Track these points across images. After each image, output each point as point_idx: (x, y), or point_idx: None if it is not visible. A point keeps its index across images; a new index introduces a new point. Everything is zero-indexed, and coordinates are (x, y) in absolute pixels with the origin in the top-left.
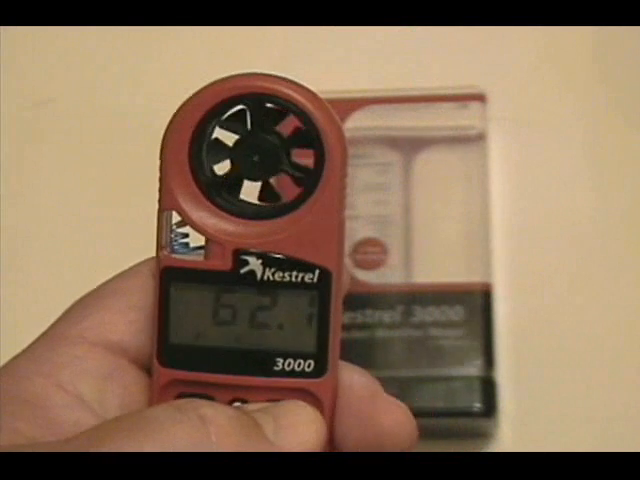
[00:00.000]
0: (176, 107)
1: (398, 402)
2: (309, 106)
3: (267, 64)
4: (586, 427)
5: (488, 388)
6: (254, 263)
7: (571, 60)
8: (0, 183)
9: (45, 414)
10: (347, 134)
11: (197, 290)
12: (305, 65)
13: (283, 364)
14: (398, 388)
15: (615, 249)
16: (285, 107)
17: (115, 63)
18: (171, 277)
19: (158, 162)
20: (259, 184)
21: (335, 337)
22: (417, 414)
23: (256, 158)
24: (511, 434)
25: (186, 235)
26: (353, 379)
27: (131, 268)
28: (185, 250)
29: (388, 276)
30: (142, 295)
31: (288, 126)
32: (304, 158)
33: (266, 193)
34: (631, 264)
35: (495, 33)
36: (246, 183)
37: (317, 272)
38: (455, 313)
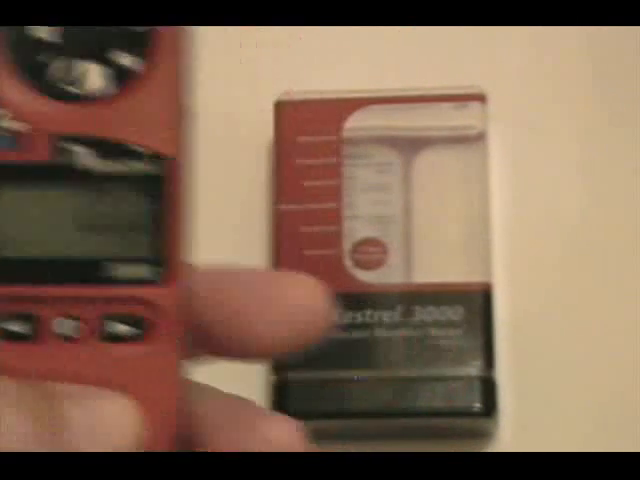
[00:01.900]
0: None
1: (308, 277)
2: None
3: (267, 64)
4: (586, 427)
5: (488, 388)
6: (77, 150)
7: (571, 60)
8: None
9: None
10: (347, 134)
11: (11, 189)
12: (305, 65)
13: (116, 270)
14: (397, 388)
15: (615, 249)
16: None
17: None
18: None
19: None
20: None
21: (179, 238)
22: (417, 414)
23: (83, 37)
24: (511, 434)
25: None
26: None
27: None
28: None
29: (388, 276)
30: None
31: None
32: None
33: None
34: (632, 264)
35: (495, 33)
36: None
37: (154, 160)
38: (455, 313)
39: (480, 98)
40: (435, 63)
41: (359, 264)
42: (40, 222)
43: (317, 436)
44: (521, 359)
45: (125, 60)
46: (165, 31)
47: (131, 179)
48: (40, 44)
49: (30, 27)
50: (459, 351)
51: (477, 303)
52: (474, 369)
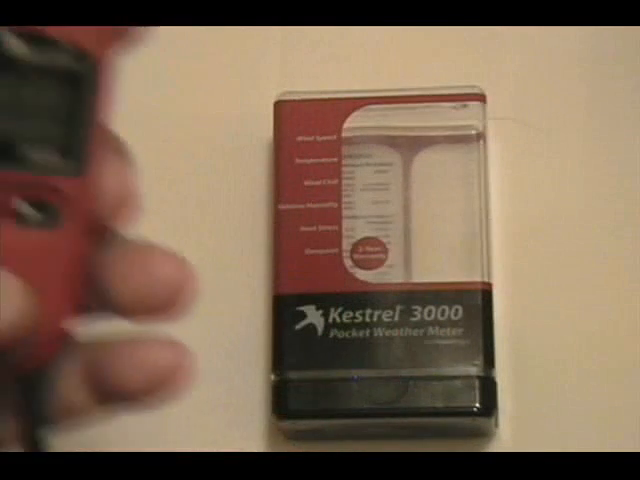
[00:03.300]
0: (176, 107)
1: (173, 254)
2: None
3: (267, 64)
4: (586, 427)
5: (487, 387)
6: (8, 39)
7: (571, 60)
8: None
9: None
10: (347, 134)
11: None
12: (305, 65)
13: (33, 156)
14: (397, 387)
15: (615, 249)
16: None
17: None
18: None
19: (159, 163)
20: None
21: (94, 134)
22: (416, 414)
23: None
24: (510, 434)
25: None
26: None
27: None
28: None
29: (387, 275)
30: None
31: None
32: None
33: None
34: (632, 264)
35: (495, 33)
36: None
37: (80, 56)
38: (454, 312)
39: (480, 98)
40: (435, 63)
41: (359, 264)
42: None
43: (317, 436)
44: (521, 359)
45: None
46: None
47: (56, 72)
48: None
49: None
50: (458, 351)
51: (477, 303)
52: (473, 369)
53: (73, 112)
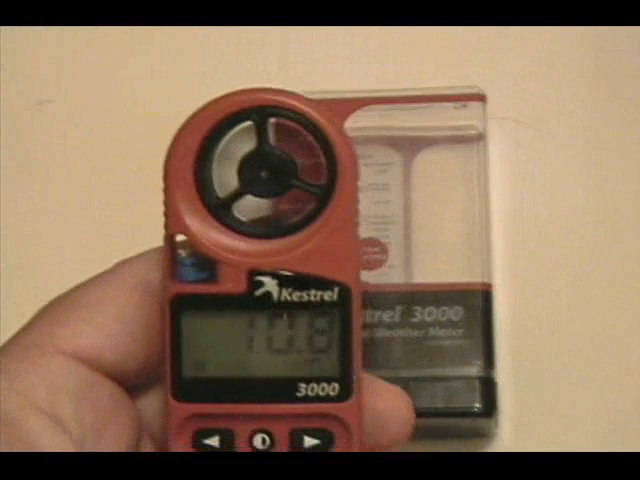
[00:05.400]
0: (176, 107)
1: (393, 386)
2: (320, 118)
3: (267, 64)
4: (586, 427)
5: (488, 388)
6: (270, 283)
7: (571, 60)
8: (0, 183)
9: (23, 438)
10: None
11: (210, 317)
12: (305, 65)
13: (306, 389)
14: None
15: (615, 249)
16: (294, 120)
17: (116, 63)
18: (181, 305)
19: (160, 163)
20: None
21: (358, 357)
22: (417, 414)
23: (264, 174)
24: (511, 434)
25: (196, 259)
26: None
27: (109, 274)
28: (195, 275)
29: (388, 276)
30: (121, 306)
31: (297, 141)
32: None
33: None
34: (631, 264)
35: (495, 33)
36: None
37: (336, 289)
38: (455, 313)
39: (480, 98)
40: (435, 63)
41: None
42: (237, 346)
43: None
44: (521, 359)
45: (307, 197)
46: (344, 173)
47: (318, 307)
48: (225, 184)
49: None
50: (459, 351)
51: (477, 303)
52: (474, 369)
53: (339, 342)
